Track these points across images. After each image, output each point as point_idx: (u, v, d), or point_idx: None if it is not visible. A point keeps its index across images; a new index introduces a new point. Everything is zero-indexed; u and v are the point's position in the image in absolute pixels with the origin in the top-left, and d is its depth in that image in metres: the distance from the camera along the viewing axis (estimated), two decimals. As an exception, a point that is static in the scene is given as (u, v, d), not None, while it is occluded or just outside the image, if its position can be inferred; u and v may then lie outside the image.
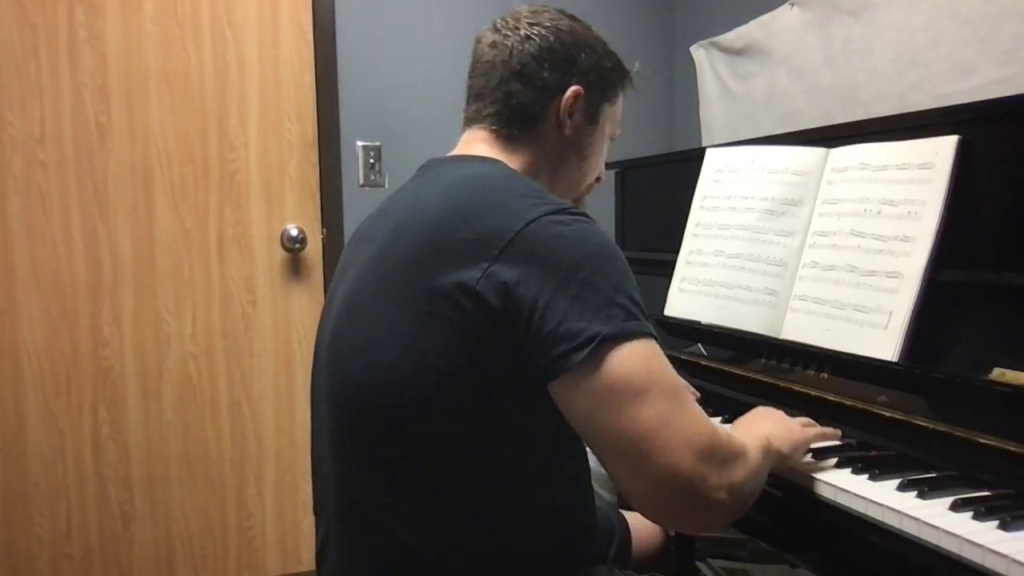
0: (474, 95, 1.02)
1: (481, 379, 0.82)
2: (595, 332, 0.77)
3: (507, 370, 0.82)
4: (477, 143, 1.00)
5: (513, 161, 0.98)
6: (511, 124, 0.99)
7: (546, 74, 0.98)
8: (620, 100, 1.08)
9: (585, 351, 0.77)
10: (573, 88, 0.99)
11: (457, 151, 1.02)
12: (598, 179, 1.11)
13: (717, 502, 0.78)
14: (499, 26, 1.01)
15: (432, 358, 0.82)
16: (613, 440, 0.79)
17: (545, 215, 0.82)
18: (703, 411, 0.82)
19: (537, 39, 0.98)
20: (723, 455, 0.80)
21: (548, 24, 0.99)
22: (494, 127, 1.00)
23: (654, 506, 0.80)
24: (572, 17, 1.03)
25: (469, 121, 1.03)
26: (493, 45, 1.00)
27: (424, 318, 0.83)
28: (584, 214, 0.87)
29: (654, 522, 0.85)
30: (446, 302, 0.81)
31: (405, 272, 0.86)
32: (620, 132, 1.12)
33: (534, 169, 1.00)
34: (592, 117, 1.03)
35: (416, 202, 0.93)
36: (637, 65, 1.09)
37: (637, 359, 0.78)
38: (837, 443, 1.06)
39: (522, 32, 0.99)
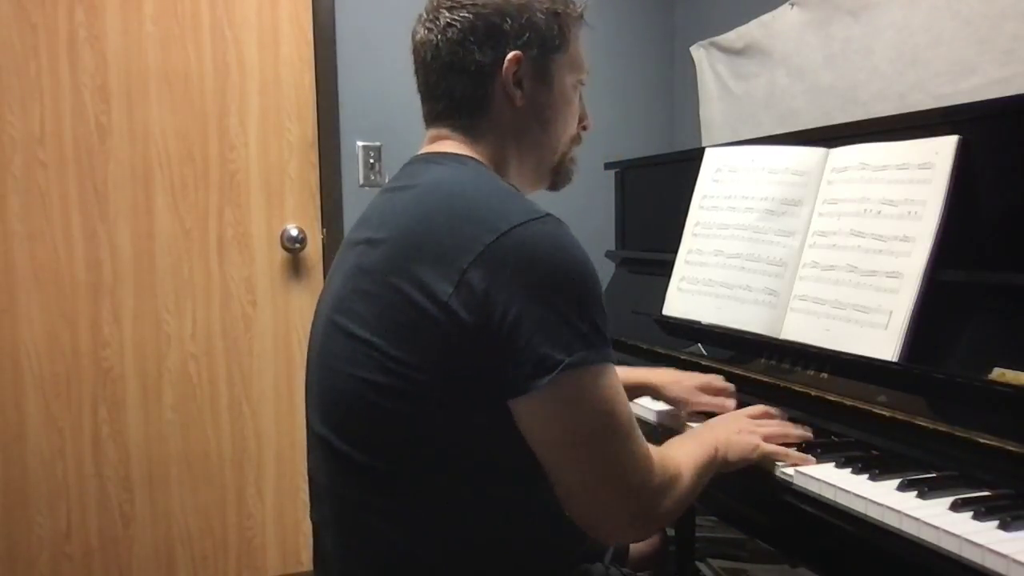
0: (423, 95, 1.01)
1: (456, 386, 0.83)
2: (558, 359, 0.79)
3: (481, 377, 0.82)
4: (442, 140, 0.99)
5: (479, 151, 0.97)
6: (463, 115, 0.97)
7: (478, 56, 0.94)
8: (574, 42, 1.01)
9: (547, 378, 0.79)
10: (510, 56, 0.94)
11: (426, 149, 1.00)
12: (584, 127, 1.07)
13: (645, 527, 0.92)
14: (423, 19, 0.98)
15: (407, 368, 0.82)
16: (563, 470, 0.84)
17: (516, 227, 0.81)
18: (644, 441, 0.87)
19: (457, 24, 0.94)
20: (656, 487, 0.86)
21: (466, 2, 0.94)
22: (451, 122, 0.98)
23: (589, 524, 0.87)
24: None
25: (427, 120, 1.01)
26: (423, 42, 0.97)
27: (396, 327, 0.83)
28: (556, 220, 0.85)
29: (586, 532, 0.90)
30: (415, 312, 0.82)
31: (379, 282, 0.86)
32: (586, 74, 1.04)
33: (501, 151, 0.98)
34: (543, 75, 0.98)
35: (389, 209, 0.93)
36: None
37: (594, 395, 0.82)
38: (822, 440, 1.07)
39: (442, 22, 0.95)
